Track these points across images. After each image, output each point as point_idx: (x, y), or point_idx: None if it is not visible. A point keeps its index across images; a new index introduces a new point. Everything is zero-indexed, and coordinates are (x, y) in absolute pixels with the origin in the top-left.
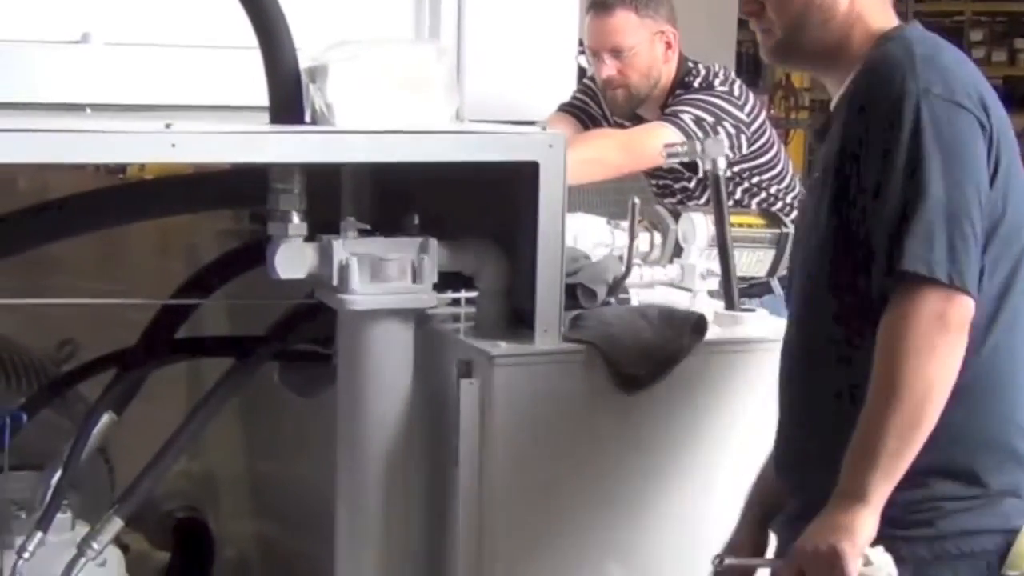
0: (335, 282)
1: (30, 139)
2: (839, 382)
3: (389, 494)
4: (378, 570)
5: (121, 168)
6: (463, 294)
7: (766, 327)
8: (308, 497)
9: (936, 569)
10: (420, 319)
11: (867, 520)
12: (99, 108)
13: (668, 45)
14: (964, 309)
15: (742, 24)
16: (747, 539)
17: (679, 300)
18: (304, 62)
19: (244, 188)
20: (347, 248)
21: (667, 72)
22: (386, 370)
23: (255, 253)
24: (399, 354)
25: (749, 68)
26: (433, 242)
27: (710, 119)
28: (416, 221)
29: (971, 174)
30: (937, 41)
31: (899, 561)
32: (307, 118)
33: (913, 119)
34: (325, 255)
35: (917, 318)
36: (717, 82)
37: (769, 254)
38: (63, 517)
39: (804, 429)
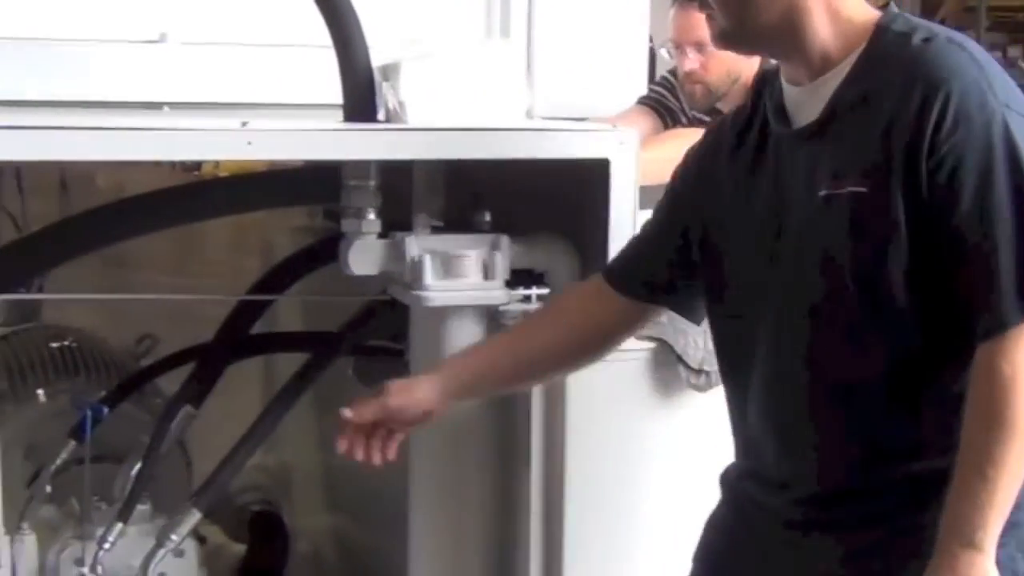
0: (408, 278)
1: (109, 137)
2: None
3: (461, 489)
4: (451, 566)
5: (196, 165)
6: (534, 291)
7: None
8: (381, 492)
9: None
10: (491, 316)
11: (991, 568)
12: (176, 106)
13: None
14: None
15: None
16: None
17: None
18: (377, 60)
19: (318, 185)
20: (420, 245)
21: (748, 68)
22: None
23: (329, 250)
24: None
25: None
26: (504, 239)
27: None
28: (488, 218)
29: None
30: (967, 38)
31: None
32: (380, 116)
33: (1005, 139)
34: (398, 252)
35: None
36: None
37: None
38: (143, 508)
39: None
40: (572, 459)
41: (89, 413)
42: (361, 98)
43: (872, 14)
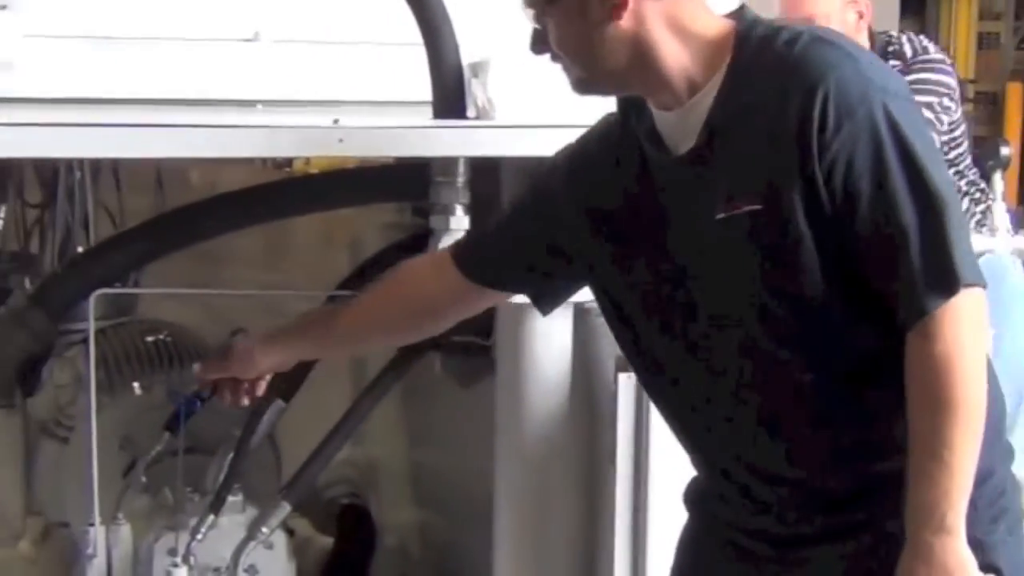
0: None
1: (203, 134)
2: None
3: (546, 487)
4: (535, 562)
5: (288, 162)
6: None
7: None
8: (468, 487)
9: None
10: (578, 312)
11: (964, 550)
12: (269, 104)
13: (860, 15)
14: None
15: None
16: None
17: None
18: (467, 57)
19: (407, 182)
20: None
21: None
22: (544, 363)
23: (418, 246)
24: (557, 347)
25: None
26: None
27: (935, 99)
28: None
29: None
30: (832, 31)
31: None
32: (469, 113)
33: (890, 125)
34: None
35: (968, 326)
36: (933, 48)
37: None
38: (234, 500)
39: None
40: (657, 458)
41: (183, 406)
42: (451, 95)
43: (725, 25)
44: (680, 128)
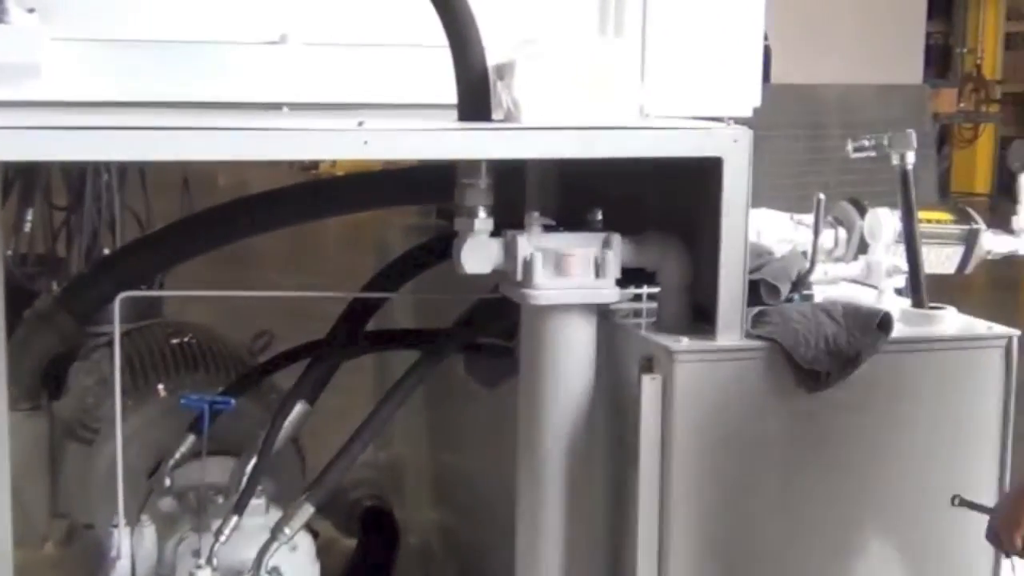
0: (519, 277)
1: (230, 137)
2: None
3: (569, 488)
4: (558, 565)
5: (313, 164)
6: (645, 289)
7: (955, 325)
8: (491, 488)
9: None
10: (602, 314)
11: None
12: (296, 107)
13: None
14: None
15: (931, 15)
16: None
17: (865, 297)
18: (492, 60)
19: (432, 184)
20: (531, 243)
21: None
22: (568, 364)
23: (442, 248)
24: (581, 349)
25: (938, 60)
26: (616, 237)
27: None
28: (599, 216)
29: None
30: None
31: None
32: (495, 115)
33: None
34: (510, 250)
35: None
36: None
37: (958, 251)
38: (258, 502)
39: None
40: (681, 461)
41: (208, 407)
42: (476, 98)
43: None
44: None
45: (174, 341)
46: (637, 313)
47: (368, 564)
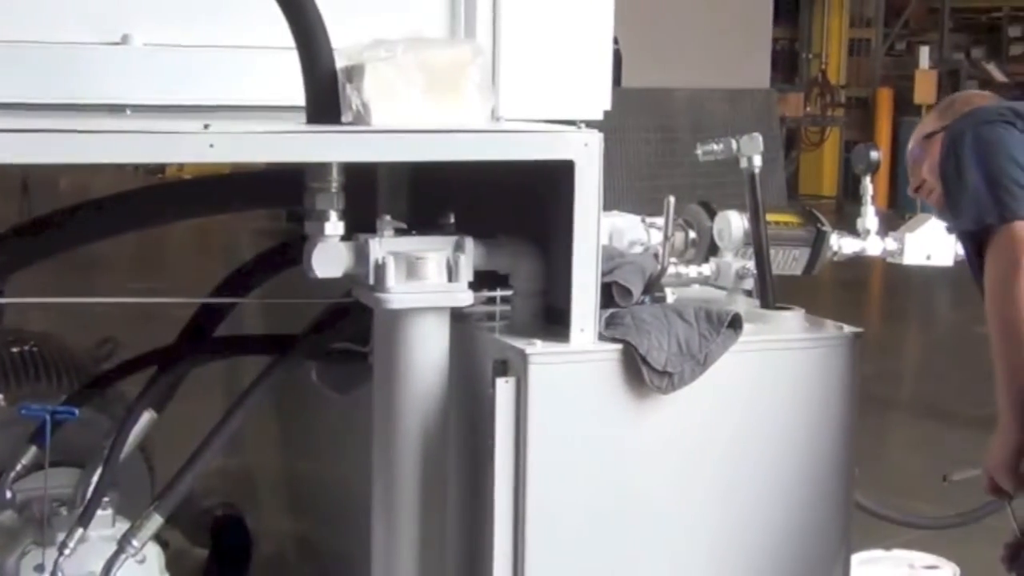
0: (371, 281)
1: (71, 139)
2: None
3: (424, 492)
4: (414, 570)
5: (160, 168)
6: (498, 292)
7: (801, 325)
8: (345, 495)
9: None
10: (456, 317)
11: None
12: (139, 109)
13: None
14: None
15: (777, 21)
16: None
17: (715, 298)
18: (340, 62)
19: (281, 187)
20: (383, 247)
21: None
22: (422, 368)
23: (292, 252)
24: (435, 352)
25: (784, 65)
26: (469, 241)
27: None
28: (452, 220)
29: None
30: None
31: None
32: (344, 118)
33: None
34: (361, 254)
35: None
36: None
37: (805, 253)
38: (104, 514)
39: None
40: (536, 462)
41: (49, 417)
42: (325, 100)
43: None
44: None
45: (14, 350)
46: (491, 316)
47: (221, 574)
